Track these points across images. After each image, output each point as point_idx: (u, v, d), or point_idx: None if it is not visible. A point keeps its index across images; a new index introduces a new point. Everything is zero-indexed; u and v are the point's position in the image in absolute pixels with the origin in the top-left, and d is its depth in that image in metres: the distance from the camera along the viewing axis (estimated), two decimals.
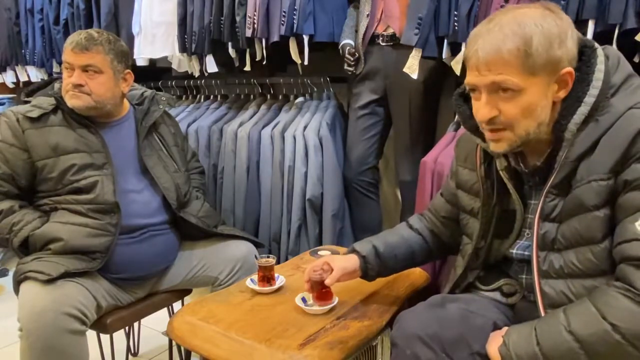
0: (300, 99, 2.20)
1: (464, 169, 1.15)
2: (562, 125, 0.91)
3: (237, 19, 1.99)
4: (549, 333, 0.85)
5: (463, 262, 1.14)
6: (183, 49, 2.24)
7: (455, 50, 1.64)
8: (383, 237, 1.27)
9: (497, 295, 1.10)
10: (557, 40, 0.87)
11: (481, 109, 0.92)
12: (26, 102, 1.53)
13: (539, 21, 0.87)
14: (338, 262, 1.21)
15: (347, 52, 1.89)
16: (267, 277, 1.34)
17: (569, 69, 0.89)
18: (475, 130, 1.03)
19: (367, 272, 1.23)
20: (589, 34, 1.38)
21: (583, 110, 0.89)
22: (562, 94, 0.91)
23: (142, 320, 1.83)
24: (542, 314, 0.94)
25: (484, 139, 1.02)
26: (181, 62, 2.32)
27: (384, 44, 1.83)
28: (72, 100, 1.45)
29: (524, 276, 1.05)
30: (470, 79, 0.93)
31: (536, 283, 0.95)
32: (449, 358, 0.92)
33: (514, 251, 1.05)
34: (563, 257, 0.93)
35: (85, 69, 1.44)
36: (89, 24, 2.58)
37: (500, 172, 1.04)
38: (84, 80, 1.44)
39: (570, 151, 0.91)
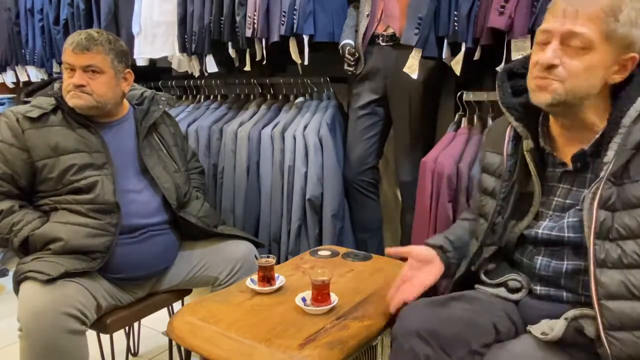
0: (300, 99, 2.20)
1: (491, 153, 1.18)
2: (621, 111, 0.93)
3: (237, 19, 1.99)
4: None
5: (477, 242, 1.15)
6: (183, 49, 2.24)
7: (455, 50, 1.64)
8: (448, 232, 1.27)
9: (501, 291, 1.10)
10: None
11: (547, 52, 0.93)
12: (26, 102, 1.53)
13: None
14: (418, 279, 1.17)
15: (347, 52, 1.89)
16: (267, 277, 1.34)
17: (636, 55, 0.92)
18: (512, 107, 1.06)
19: (448, 262, 1.19)
20: None
21: None
22: (618, 77, 0.94)
23: (142, 320, 1.82)
24: (595, 304, 0.91)
25: (516, 118, 1.05)
26: (181, 62, 2.32)
27: (384, 44, 1.83)
28: (74, 100, 1.45)
29: (540, 257, 1.05)
30: (548, 25, 0.95)
31: (592, 272, 0.92)
32: (446, 355, 0.93)
33: (540, 231, 1.04)
34: (621, 247, 0.91)
35: (86, 69, 1.44)
36: (89, 24, 2.57)
37: (525, 153, 1.06)
38: (85, 80, 1.44)
39: (627, 139, 0.92)
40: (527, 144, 1.06)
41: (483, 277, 1.14)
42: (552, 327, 0.94)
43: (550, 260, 1.02)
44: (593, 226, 0.93)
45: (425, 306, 1.03)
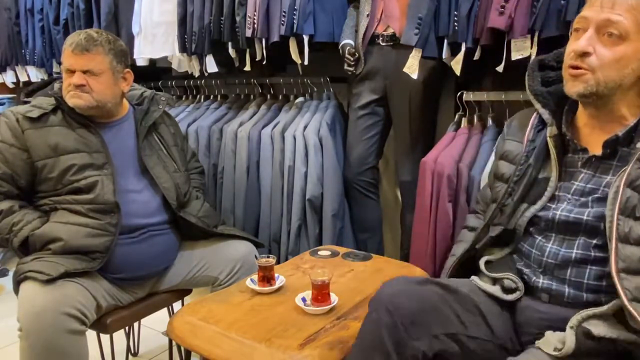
0: (300, 99, 2.20)
1: (512, 141, 1.18)
2: None
3: (237, 19, 1.99)
4: None
5: (483, 221, 1.16)
6: (183, 49, 2.24)
7: (455, 50, 1.64)
8: (460, 253, 1.25)
9: (497, 290, 1.09)
10: None
11: (581, 41, 0.96)
12: (26, 102, 1.54)
13: None
14: None
15: (347, 52, 1.89)
16: (267, 277, 1.34)
17: None
18: (540, 95, 1.08)
19: None
20: None
21: None
22: None
23: (142, 320, 1.82)
24: (615, 275, 0.90)
25: (543, 105, 1.08)
26: (181, 62, 2.32)
27: (384, 44, 1.83)
28: (73, 100, 1.45)
29: (549, 245, 1.05)
30: (585, 12, 0.97)
31: (613, 245, 0.93)
32: (404, 329, 0.94)
33: (558, 212, 1.04)
34: None
35: (85, 71, 1.44)
36: (89, 24, 2.57)
37: (548, 139, 1.07)
38: (85, 80, 1.44)
39: None
40: (552, 130, 1.08)
41: (482, 268, 1.14)
42: (562, 341, 0.93)
43: (560, 249, 1.03)
44: (618, 201, 0.94)
45: (403, 282, 1.05)
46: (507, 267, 1.11)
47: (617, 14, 0.92)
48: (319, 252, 1.65)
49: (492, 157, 1.48)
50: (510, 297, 1.08)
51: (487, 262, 1.15)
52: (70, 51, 1.43)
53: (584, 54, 0.96)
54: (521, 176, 1.10)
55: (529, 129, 1.13)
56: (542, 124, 1.11)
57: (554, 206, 1.06)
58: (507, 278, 1.09)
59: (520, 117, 1.23)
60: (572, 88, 0.99)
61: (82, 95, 1.44)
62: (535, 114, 1.13)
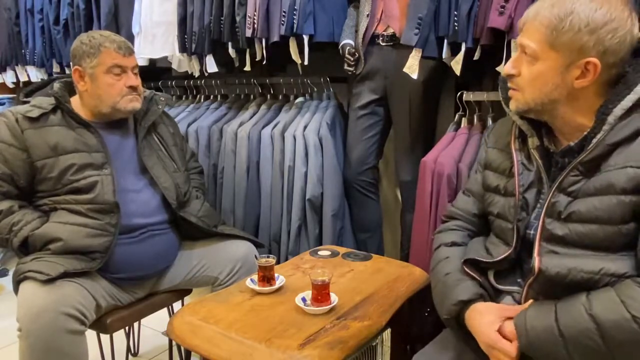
0: (300, 99, 2.20)
1: (493, 149, 1.17)
2: (608, 108, 0.93)
3: (237, 19, 1.99)
4: (569, 311, 0.89)
5: (501, 240, 1.10)
6: (183, 49, 2.24)
7: (455, 50, 1.64)
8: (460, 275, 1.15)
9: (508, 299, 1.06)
10: (593, 27, 0.89)
11: (508, 64, 1.00)
12: (25, 103, 1.54)
13: (587, 3, 0.90)
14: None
15: (347, 52, 1.89)
16: (267, 277, 1.34)
17: (594, 60, 0.91)
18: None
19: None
20: None
21: (632, 97, 0.91)
22: (583, 82, 0.93)
23: (142, 320, 1.82)
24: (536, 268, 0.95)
25: (520, 116, 1.08)
26: (181, 62, 2.32)
27: (384, 44, 1.83)
28: (133, 104, 1.52)
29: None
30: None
31: (537, 241, 0.98)
32: None
33: (530, 232, 1.03)
34: (568, 228, 0.94)
35: (133, 70, 1.51)
36: (89, 24, 2.57)
37: (531, 151, 1.06)
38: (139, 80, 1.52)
39: (608, 135, 0.92)
40: (533, 141, 1.07)
41: (492, 281, 1.09)
42: None
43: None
44: (545, 205, 0.98)
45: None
46: (512, 282, 1.07)
47: (527, 37, 0.95)
48: (319, 252, 1.65)
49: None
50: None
51: (495, 274, 1.10)
52: (117, 52, 1.47)
53: (510, 76, 1.00)
54: (528, 185, 1.06)
55: (512, 139, 1.11)
56: (524, 134, 1.09)
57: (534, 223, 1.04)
58: (516, 292, 1.05)
59: (498, 125, 1.22)
60: (509, 106, 1.03)
61: (138, 97, 1.52)
62: (514, 124, 1.11)
